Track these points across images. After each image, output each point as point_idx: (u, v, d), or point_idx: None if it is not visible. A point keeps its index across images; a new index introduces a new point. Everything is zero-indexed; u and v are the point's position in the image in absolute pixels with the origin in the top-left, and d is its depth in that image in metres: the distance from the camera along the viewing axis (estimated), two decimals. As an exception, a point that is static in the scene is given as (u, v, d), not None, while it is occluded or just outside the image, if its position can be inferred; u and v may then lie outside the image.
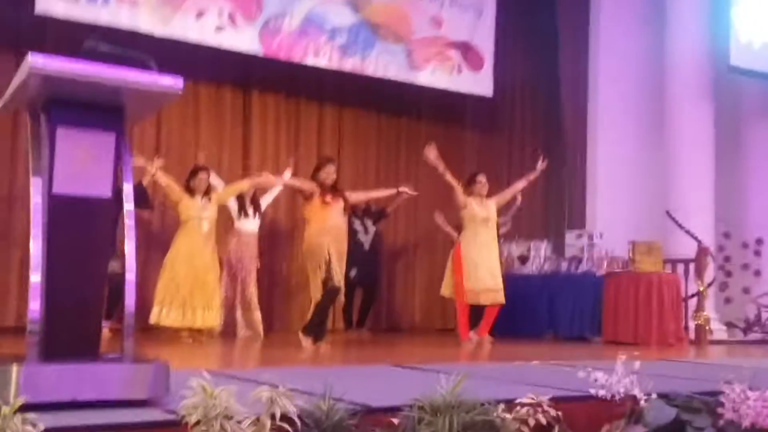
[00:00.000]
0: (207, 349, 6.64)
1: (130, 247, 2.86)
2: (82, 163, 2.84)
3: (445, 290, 8.36)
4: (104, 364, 2.73)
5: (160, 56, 2.97)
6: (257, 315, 7.99)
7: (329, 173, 6.93)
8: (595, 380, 3.09)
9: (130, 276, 2.84)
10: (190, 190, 7.34)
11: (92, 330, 2.86)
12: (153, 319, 6.99)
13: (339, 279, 6.67)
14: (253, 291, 8.01)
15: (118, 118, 2.93)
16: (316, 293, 6.71)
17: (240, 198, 7.98)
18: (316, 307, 6.71)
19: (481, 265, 7.87)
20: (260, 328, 7.97)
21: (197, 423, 2.23)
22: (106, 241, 2.97)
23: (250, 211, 8.06)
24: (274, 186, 8.19)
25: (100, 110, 2.86)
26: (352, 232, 8.38)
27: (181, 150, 8.98)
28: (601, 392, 3.06)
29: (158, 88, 2.81)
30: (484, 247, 7.93)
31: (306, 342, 6.57)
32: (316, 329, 6.66)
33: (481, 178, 8.26)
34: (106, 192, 2.89)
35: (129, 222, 2.90)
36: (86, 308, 2.82)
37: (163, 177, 7.41)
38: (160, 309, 6.99)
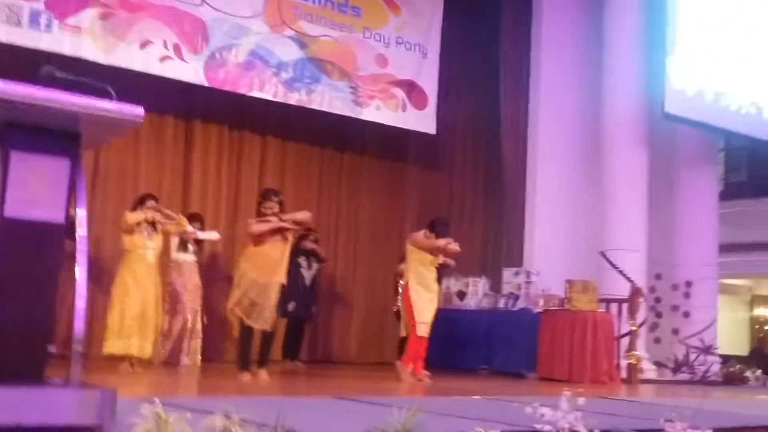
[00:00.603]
0: (149, 377, 6.52)
1: (81, 274, 2.82)
2: (35, 188, 2.81)
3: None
4: (50, 388, 2.68)
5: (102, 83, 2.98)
6: (196, 344, 7.95)
7: (271, 207, 6.89)
8: (542, 416, 3.14)
9: (80, 302, 2.80)
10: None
11: (39, 354, 2.81)
12: (107, 349, 6.86)
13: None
14: (197, 319, 7.99)
15: (73, 144, 2.91)
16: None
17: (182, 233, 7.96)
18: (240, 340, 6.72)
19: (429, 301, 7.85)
20: (198, 356, 7.92)
21: (149, 451, 2.21)
22: (57, 266, 2.93)
23: (190, 245, 8.05)
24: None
25: (55, 136, 2.84)
26: (295, 266, 8.40)
27: (119, 177, 8.86)
28: (547, 428, 3.12)
29: (118, 116, 2.80)
30: (431, 284, 7.92)
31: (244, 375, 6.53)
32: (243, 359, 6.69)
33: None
34: (58, 217, 2.86)
35: (81, 248, 2.87)
36: (34, 332, 2.76)
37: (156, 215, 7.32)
38: (113, 339, 6.86)
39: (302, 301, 8.78)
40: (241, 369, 6.60)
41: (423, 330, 7.66)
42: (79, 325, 2.80)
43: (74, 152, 2.91)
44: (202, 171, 9.49)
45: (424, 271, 7.78)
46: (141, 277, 7.03)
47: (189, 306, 7.96)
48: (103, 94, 2.87)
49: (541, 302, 9.14)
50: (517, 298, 9.53)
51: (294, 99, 9.44)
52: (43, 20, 7.80)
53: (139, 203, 7.33)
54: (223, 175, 9.65)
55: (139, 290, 6.97)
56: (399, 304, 8.24)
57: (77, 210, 2.95)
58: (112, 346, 6.83)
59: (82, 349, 2.86)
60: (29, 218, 2.77)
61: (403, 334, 7.99)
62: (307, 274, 8.97)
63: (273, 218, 6.75)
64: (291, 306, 8.37)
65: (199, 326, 8.04)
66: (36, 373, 2.74)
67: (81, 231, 2.88)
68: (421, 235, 7.88)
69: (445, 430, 2.83)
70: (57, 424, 2.53)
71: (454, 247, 7.88)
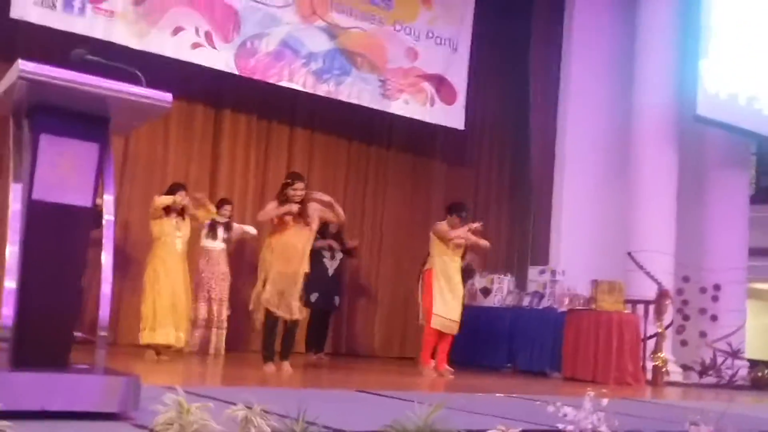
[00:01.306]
0: (174, 366, 6.55)
1: (107, 260, 2.83)
2: (63, 172, 2.81)
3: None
4: (75, 374, 2.68)
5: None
6: (221, 333, 7.99)
7: (301, 189, 6.73)
8: (564, 415, 3.10)
9: (106, 288, 2.81)
10: (166, 209, 7.25)
11: (64, 339, 2.82)
12: (144, 339, 6.91)
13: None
14: (223, 309, 8.02)
15: (102, 129, 2.92)
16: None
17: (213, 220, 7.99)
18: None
19: (448, 293, 7.82)
20: (222, 346, 7.96)
21: (170, 439, 2.19)
22: (84, 251, 2.94)
23: (220, 232, 8.06)
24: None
25: (85, 120, 2.85)
26: (318, 256, 8.38)
27: (148, 164, 8.91)
28: (570, 428, 3.07)
29: (146, 101, 2.80)
30: (454, 274, 7.89)
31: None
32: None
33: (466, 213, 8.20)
34: (86, 201, 2.87)
35: (107, 233, 2.88)
36: (59, 317, 2.78)
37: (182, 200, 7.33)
38: (149, 329, 6.90)
39: (326, 292, 8.73)
40: (265, 360, 6.58)
41: (437, 322, 7.64)
42: (104, 310, 2.81)
43: (103, 137, 2.92)
44: (230, 160, 9.52)
45: (447, 260, 7.79)
46: (170, 266, 7.05)
47: (216, 295, 7.99)
48: (132, 79, 2.88)
49: (567, 301, 9.06)
50: (542, 296, 9.46)
51: (323, 90, 9.44)
52: (77, 4, 7.84)
53: (169, 193, 7.34)
54: (251, 164, 9.67)
55: (168, 279, 7.00)
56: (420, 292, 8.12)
57: (105, 195, 2.96)
58: (148, 336, 6.87)
59: (108, 336, 2.87)
60: (56, 201, 2.79)
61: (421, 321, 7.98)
62: (330, 265, 8.92)
63: (293, 205, 6.61)
64: (314, 297, 8.34)
65: (224, 316, 8.07)
66: (61, 358, 2.75)
67: (108, 216, 2.89)
68: (444, 224, 7.86)
69: (466, 427, 2.80)
70: (81, 409, 2.54)
71: (476, 226, 7.83)
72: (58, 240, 2.79)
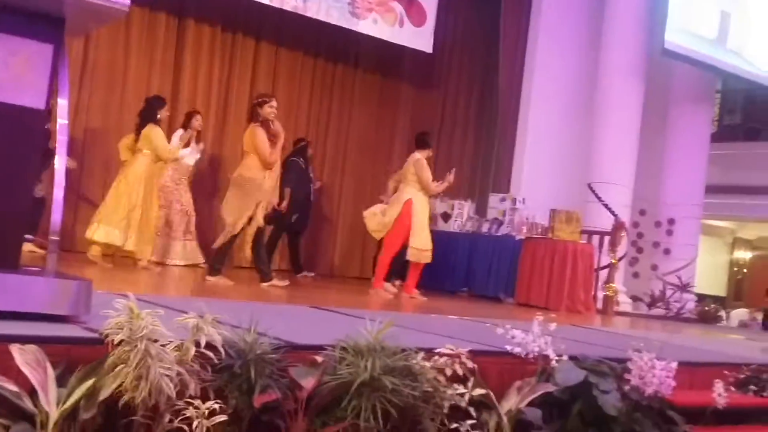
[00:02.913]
0: (131, 275, 6.53)
1: (61, 164, 2.78)
2: (16, 72, 2.74)
3: (380, 232, 8.20)
4: (25, 276, 2.66)
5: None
6: (193, 244, 8.10)
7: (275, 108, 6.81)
8: (513, 338, 3.18)
9: (59, 192, 2.77)
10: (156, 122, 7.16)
11: (14, 241, 2.78)
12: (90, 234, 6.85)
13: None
14: (191, 220, 8.09)
15: (57, 30, 2.83)
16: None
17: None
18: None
19: (425, 227, 7.91)
20: (198, 256, 8.09)
21: (120, 343, 2.20)
22: (36, 154, 2.89)
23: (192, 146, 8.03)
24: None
25: (39, 19, 2.76)
26: (307, 180, 8.79)
27: (109, 71, 8.73)
28: (517, 350, 3.15)
29: (104, 3, 2.72)
30: (426, 208, 7.97)
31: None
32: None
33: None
34: (39, 103, 2.80)
35: (61, 137, 2.83)
36: (9, 219, 2.73)
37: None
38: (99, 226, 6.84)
39: (303, 213, 8.99)
40: (215, 273, 6.64)
41: (414, 255, 7.73)
42: (56, 215, 2.76)
43: (58, 38, 2.83)
44: (192, 71, 9.35)
45: (423, 195, 7.81)
46: (135, 175, 6.97)
47: (180, 206, 7.98)
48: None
49: (525, 230, 9.17)
50: (501, 223, 9.55)
51: (290, 5, 9.23)
52: None
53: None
54: (214, 77, 9.52)
55: (134, 187, 6.92)
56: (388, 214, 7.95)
57: (59, 99, 2.89)
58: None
59: (60, 240, 2.84)
60: (9, 102, 2.72)
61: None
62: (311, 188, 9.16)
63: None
64: (294, 218, 8.66)
65: (193, 228, 8.11)
66: (10, 259, 2.72)
67: (62, 120, 2.83)
68: (425, 164, 7.81)
69: (416, 345, 2.85)
70: (30, 310, 2.52)
71: (452, 178, 7.91)
72: (8, 141, 2.73)
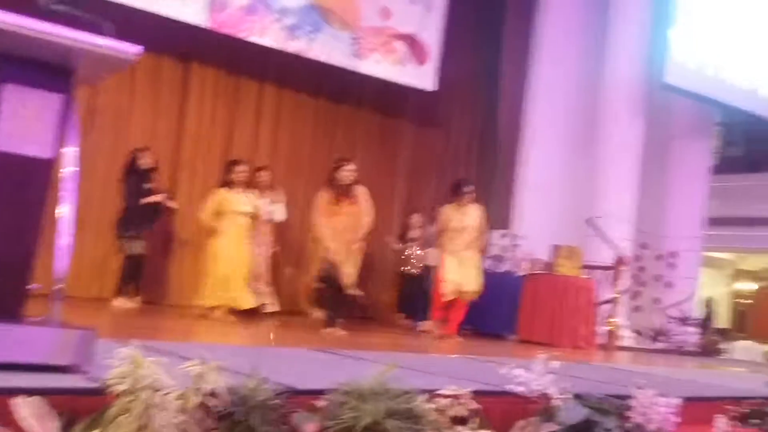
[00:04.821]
0: (137, 320, 6.55)
1: (65, 210, 2.83)
2: (25, 122, 2.79)
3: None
4: (27, 326, 2.67)
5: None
6: None
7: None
8: (515, 377, 3.19)
9: (64, 241, 2.81)
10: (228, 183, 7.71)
11: (18, 291, 2.81)
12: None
13: None
14: None
15: (66, 80, 2.89)
16: None
17: None
18: None
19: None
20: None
21: (122, 393, 2.22)
22: (42, 203, 2.93)
23: None
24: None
25: (49, 70, 2.82)
26: None
27: (115, 116, 8.81)
28: (520, 389, 3.16)
29: (112, 53, 2.78)
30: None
31: None
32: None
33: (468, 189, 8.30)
34: (44, 152, 2.85)
35: (69, 185, 2.87)
36: (14, 269, 2.77)
37: None
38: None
39: None
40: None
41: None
42: (61, 263, 2.80)
43: (67, 88, 2.89)
44: (197, 114, 9.42)
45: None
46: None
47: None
48: (100, 30, 2.85)
49: (526, 265, 9.19)
50: (501, 260, 9.58)
51: (294, 47, 9.34)
52: (42, -50, 7.65)
53: (229, 167, 7.87)
54: (218, 120, 9.58)
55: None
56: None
57: (68, 147, 2.95)
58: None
59: (65, 289, 2.88)
60: (17, 152, 2.77)
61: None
62: None
63: None
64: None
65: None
66: (13, 310, 2.74)
67: (69, 168, 2.88)
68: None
69: (420, 387, 2.86)
70: (32, 361, 2.53)
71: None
72: (15, 191, 2.78)
